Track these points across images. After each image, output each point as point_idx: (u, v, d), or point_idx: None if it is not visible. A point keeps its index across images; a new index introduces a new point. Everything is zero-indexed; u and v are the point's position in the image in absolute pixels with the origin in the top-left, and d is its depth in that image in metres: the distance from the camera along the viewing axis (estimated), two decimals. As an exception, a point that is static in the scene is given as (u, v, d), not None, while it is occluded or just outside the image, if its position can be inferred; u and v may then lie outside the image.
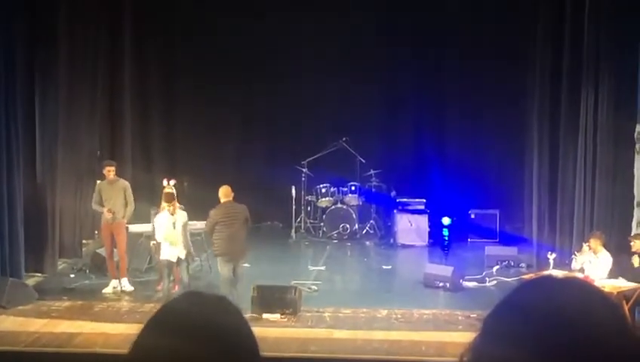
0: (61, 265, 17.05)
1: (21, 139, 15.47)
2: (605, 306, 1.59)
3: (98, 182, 15.98)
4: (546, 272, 14.19)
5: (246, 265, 14.40)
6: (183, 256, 13.93)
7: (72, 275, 16.47)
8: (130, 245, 16.01)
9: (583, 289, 1.63)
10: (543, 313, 1.54)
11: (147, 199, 16.20)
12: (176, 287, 14.16)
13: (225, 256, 13.47)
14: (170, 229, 13.81)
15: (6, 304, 13.74)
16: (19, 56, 15.44)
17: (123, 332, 12.23)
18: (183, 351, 1.71)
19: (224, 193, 13.73)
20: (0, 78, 14.71)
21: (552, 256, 14.38)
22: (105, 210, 15.32)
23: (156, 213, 14.69)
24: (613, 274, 13.56)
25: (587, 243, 13.89)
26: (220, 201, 13.72)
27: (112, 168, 15.68)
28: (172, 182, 16.06)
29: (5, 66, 14.85)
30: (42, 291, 14.91)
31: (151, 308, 13.45)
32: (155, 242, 14.47)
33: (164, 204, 14.11)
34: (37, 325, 12.96)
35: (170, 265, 13.78)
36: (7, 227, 14.92)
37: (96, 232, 18.27)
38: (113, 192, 15.50)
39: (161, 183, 16.01)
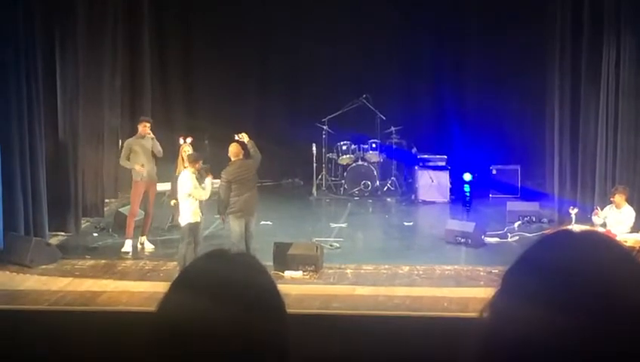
0: (84, 224, 17.12)
1: (42, 99, 15.49)
2: (625, 261, 1.58)
3: (129, 139, 16.01)
4: (567, 227, 14.18)
5: (268, 222, 14.43)
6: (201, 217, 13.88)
7: (95, 234, 16.57)
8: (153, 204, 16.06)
9: (603, 243, 1.63)
10: (561, 268, 1.55)
11: (168, 158, 16.21)
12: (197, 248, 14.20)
13: (238, 213, 13.47)
14: (192, 189, 13.73)
15: (30, 263, 13.85)
16: (38, 17, 15.41)
17: (146, 290, 12.35)
18: (210, 310, 1.72)
19: (234, 152, 13.72)
20: (20, 39, 14.71)
21: (574, 211, 14.36)
22: (137, 166, 15.36)
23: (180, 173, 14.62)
24: (635, 228, 13.55)
25: (612, 198, 13.86)
26: (230, 160, 13.71)
27: (149, 123, 15.74)
28: (188, 140, 16.04)
29: (25, 27, 14.85)
30: (65, 250, 15.01)
31: (173, 266, 13.55)
32: (175, 201, 14.45)
33: (186, 165, 14.07)
34: (61, 284, 13.09)
35: (193, 227, 13.70)
36: (31, 187, 14.99)
37: (118, 192, 18.38)
38: (145, 148, 15.54)
39: (182, 140, 16.03)
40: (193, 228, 13.52)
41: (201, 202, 13.65)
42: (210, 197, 13.82)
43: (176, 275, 1.88)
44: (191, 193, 13.48)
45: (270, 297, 1.82)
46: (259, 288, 1.81)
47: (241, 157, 13.68)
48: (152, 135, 15.68)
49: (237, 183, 13.40)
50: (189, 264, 1.90)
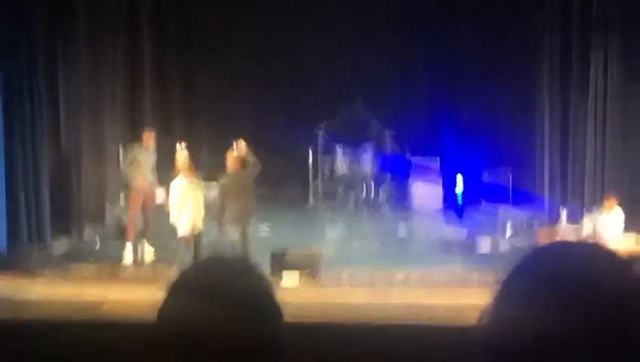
0: (87, 230, 17.10)
1: (44, 104, 15.51)
2: (621, 270, 1.59)
3: (133, 147, 16.04)
4: (558, 227, 14.26)
5: (265, 229, 14.44)
6: (200, 226, 13.86)
7: (97, 240, 16.55)
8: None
9: (598, 253, 1.63)
10: (559, 277, 1.54)
11: (167, 165, 16.18)
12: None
13: (233, 221, 13.46)
14: (185, 196, 13.72)
15: (33, 269, 13.84)
16: (40, 31, 15.42)
17: (147, 296, 12.29)
18: (205, 316, 1.71)
19: (231, 162, 13.73)
20: (22, 52, 14.74)
21: (564, 212, 14.40)
22: (140, 174, 15.36)
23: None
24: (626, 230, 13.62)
25: (604, 203, 13.91)
26: (227, 170, 13.70)
27: (153, 134, 15.76)
28: (183, 144, 16.00)
29: (27, 41, 14.87)
30: (68, 256, 15.02)
31: (174, 272, 13.50)
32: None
33: (179, 170, 14.08)
34: (63, 291, 13.04)
35: (189, 239, 13.70)
36: (33, 192, 15.00)
37: (121, 196, 18.35)
38: (148, 158, 15.57)
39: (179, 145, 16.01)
40: (190, 239, 13.55)
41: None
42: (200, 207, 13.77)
43: (174, 279, 1.86)
44: (178, 201, 13.51)
45: (267, 302, 1.82)
46: (256, 292, 1.81)
47: (237, 167, 13.67)
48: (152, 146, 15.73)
49: (233, 193, 13.39)
50: (187, 268, 1.88)
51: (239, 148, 13.97)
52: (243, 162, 13.77)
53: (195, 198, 13.66)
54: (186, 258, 13.21)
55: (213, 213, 13.77)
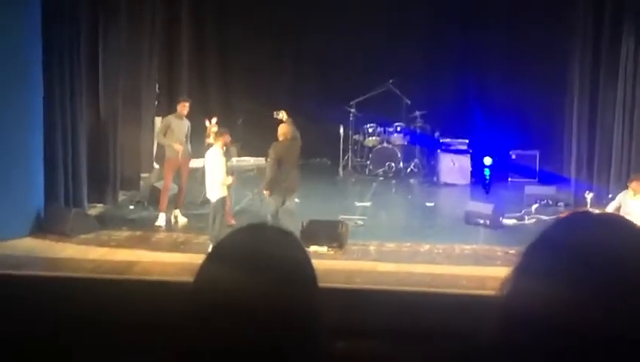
0: (121, 197, 17.20)
1: (84, 74, 15.57)
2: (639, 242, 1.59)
3: (167, 116, 16.10)
4: (582, 210, 14.09)
5: (296, 200, 14.43)
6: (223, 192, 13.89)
7: (132, 207, 16.65)
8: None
9: (618, 225, 1.63)
10: (579, 248, 1.55)
11: (202, 135, 16.23)
12: (231, 220, 14.25)
13: (281, 190, 13.47)
14: (221, 165, 13.74)
15: (70, 232, 13.96)
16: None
17: (179, 261, 12.39)
18: (245, 282, 1.73)
19: (283, 132, 13.68)
20: (64, 14, 14.77)
21: (589, 195, 14.30)
22: (175, 143, 15.42)
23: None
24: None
25: (629, 185, 13.75)
26: (277, 139, 13.68)
27: (188, 104, 15.79)
28: (214, 120, 16.01)
29: (70, 4, 14.92)
30: (103, 221, 15.11)
31: (205, 239, 13.60)
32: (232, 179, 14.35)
33: (215, 140, 14.10)
34: (98, 253, 13.19)
35: (223, 202, 13.75)
36: (71, 160, 15.09)
37: (156, 166, 18.42)
38: (182, 128, 15.61)
39: (208, 123, 16.03)
40: (222, 202, 13.62)
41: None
42: (227, 179, 13.78)
43: (212, 247, 1.88)
44: (214, 170, 13.53)
45: (303, 270, 1.83)
46: (293, 261, 1.82)
47: (289, 137, 13.67)
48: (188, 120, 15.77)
49: (284, 161, 13.38)
50: (226, 236, 1.90)
51: (280, 116, 14.00)
52: (291, 132, 13.76)
53: (220, 168, 13.66)
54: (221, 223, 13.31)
55: (265, 181, 13.69)
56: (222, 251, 1.84)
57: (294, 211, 13.73)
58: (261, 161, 14.86)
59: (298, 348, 1.75)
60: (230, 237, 1.88)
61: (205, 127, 16.00)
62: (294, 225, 12.93)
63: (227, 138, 14.21)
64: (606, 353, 1.47)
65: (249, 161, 15.07)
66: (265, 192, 13.70)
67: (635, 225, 1.65)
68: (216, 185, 13.60)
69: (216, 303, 1.73)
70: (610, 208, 13.54)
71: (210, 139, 14.93)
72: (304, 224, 13.63)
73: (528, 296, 1.54)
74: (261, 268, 1.75)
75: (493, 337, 1.60)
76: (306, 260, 1.85)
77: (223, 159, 13.83)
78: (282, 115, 14.03)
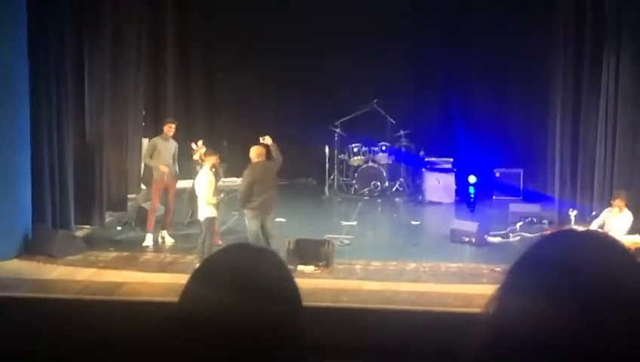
0: (108, 218, 17.17)
1: (70, 96, 15.57)
2: (624, 259, 1.59)
3: (154, 138, 16.11)
4: (567, 227, 14.11)
5: (282, 219, 14.43)
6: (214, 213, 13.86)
7: (119, 228, 16.60)
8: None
9: (603, 242, 1.63)
10: (563, 265, 1.55)
11: (189, 156, 16.23)
12: (218, 241, 14.21)
13: (256, 212, 13.39)
14: (210, 186, 13.72)
15: (57, 254, 13.90)
16: (67, 23, 15.46)
17: (166, 281, 12.36)
18: (228, 301, 1.73)
19: (256, 153, 13.63)
20: (50, 37, 14.76)
21: (573, 213, 14.35)
22: (161, 165, 15.39)
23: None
24: (632, 231, 13.50)
25: (612, 202, 13.82)
26: (251, 161, 13.64)
27: (174, 125, 15.79)
28: (200, 142, 16.02)
29: (55, 26, 14.91)
30: (90, 242, 15.07)
31: (192, 259, 13.56)
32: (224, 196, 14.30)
33: (207, 160, 14.09)
34: (86, 274, 13.14)
35: (212, 221, 13.72)
36: (59, 181, 15.06)
37: (143, 187, 18.39)
38: (168, 149, 15.60)
39: (194, 145, 16.02)
40: (212, 221, 13.58)
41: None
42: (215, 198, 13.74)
43: (197, 266, 1.88)
44: (205, 190, 13.51)
45: (286, 288, 1.84)
46: (276, 280, 1.83)
47: (263, 158, 13.62)
48: (175, 142, 15.76)
49: (258, 184, 13.30)
50: (211, 255, 1.91)
51: (266, 141, 13.96)
52: (268, 152, 13.72)
53: (210, 189, 13.64)
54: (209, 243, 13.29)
55: (239, 202, 13.65)
56: (205, 271, 1.84)
57: (272, 234, 13.66)
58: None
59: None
60: (213, 257, 1.89)
61: (191, 149, 16.01)
62: (275, 246, 12.91)
63: (216, 159, 14.21)
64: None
65: (235, 181, 15.08)
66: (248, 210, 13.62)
67: (619, 242, 1.66)
68: (206, 205, 13.57)
69: (200, 322, 1.73)
70: (594, 225, 13.59)
71: (196, 157, 14.98)
72: (291, 243, 13.61)
73: (514, 314, 1.54)
74: (244, 287, 1.76)
75: (480, 355, 1.60)
76: (289, 279, 1.86)
77: (213, 179, 13.80)
78: (267, 139, 14.00)
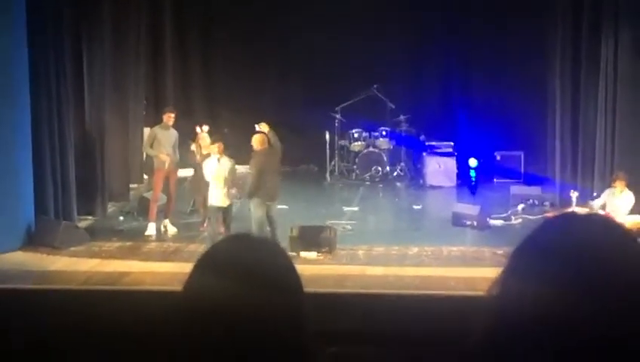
0: (110, 208, 17.17)
1: (70, 87, 15.56)
2: (627, 241, 1.59)
3: (154, 127, 16.08)
4: (568, 210, 14.15)
5: (284, 206, 14.42)
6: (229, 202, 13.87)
7: (121, 218, 16.59)
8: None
9: (605, 224, 1.63)
10: (565, 249, 1.55)
11: (189, 145, 16.21)
12: (223, 230, 14.21)
13: (263, 199, 13.41)
14: (218, 173, 13.72)
15: (60, 245, 13.90)
16: (65, 9, 15.43)
17: (169, 270, 12.37)
18: (231, 291, 1.74)
19: (259, 141, 13.62)
20: (49, 28, 14.74)
21: (574, 195, 14.35)
22: (162, 154, 15.38)
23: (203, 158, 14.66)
24: (634, 211, 13.53)
25: (613, 184, 13.83)
26: (254, 150, 13.63)
27: (173, 114, 15.77)
28: (205, 128, 16.02)
29: (54, 17, 14.89)
30: (93, 233, 15.06)
31: (195, 247, 13.58)
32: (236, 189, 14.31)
33: (212, 148, 14.10)
34: (89, 265, 13.14)
35: (219, 210, 13.73)
36: (60, 173, 15.05)
37: (145, 176, 18.38)
38: (168, 138, 15.58)
39: (199, 129, 16.03)
40: (222, 211, 13.59)
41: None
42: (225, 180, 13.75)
43: (200, 256, 1.89)
44: (214, 176, 13.52)
45: (289, 278, 1.84)
46: (277, 268, 1.83)
47: (266, 145, 13.61)
48: (175, 131, 15.76)
49: (264, 170, 13.32)
50: (213, 245, 1.92)
51: (263, 128, 13.92)
52: (269, 141, 13.70)
53: (222, 174, 13.65)
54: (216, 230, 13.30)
55: (247, 191, 13.64)
56: (208, 260, 1.85)
57: (276, 219, 13.67)
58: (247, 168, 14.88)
59: (287, 354, 1.75)
60: (217, 246, 1.90)
61: (195, 133, 15.98)
62: (279, 233, 12.93)
63: (221, 146, 14.16)
64: (595, 353, 1.47)
65: (238, 169, 15.06)
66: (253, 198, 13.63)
67: (622, 225, 1.66)
68: (214, 193, 13.60)
69: (203, 311, 1.74)
70: (595, 206, 13.61)
71: (193, 147, 15.02)
72: (293, 230, 13.62)
73: (517, 297, 1.54)
74: (246, 276, 1.76)
75: (483, 338, 1.60)
76: (290, 267, 1.87)
77: (234, 166, 13.85)
78: (263, 126, 13.97)
